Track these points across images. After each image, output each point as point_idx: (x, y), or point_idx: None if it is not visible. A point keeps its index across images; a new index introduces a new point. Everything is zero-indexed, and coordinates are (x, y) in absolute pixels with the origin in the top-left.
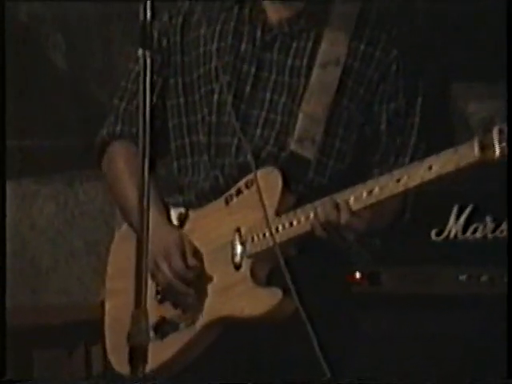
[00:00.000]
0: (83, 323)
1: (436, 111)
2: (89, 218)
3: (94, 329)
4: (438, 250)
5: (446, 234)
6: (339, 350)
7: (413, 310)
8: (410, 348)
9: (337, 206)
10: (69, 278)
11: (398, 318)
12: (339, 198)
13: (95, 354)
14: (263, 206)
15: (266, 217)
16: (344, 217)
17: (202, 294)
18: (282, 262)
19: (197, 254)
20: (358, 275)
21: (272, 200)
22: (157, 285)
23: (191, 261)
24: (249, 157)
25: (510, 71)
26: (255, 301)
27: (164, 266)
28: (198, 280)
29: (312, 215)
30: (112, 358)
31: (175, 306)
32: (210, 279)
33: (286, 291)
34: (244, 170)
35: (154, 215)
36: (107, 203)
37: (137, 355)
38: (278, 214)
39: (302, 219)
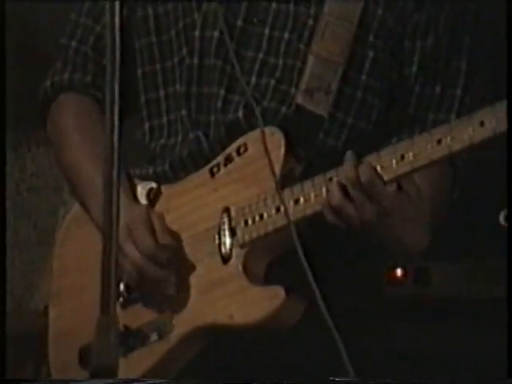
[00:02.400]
0: (30, 337)
1: (489, 52)
2: (39, 196)
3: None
4: (509, 238)
5: None
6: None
7: (469, 319)
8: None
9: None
10: (12, 277)
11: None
12: (363, 163)
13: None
14: (273, 171)
15: (277, 189)
16: (367, 185)
17: (179, 294)
18: (299, 249)
19: (173, 235)
20: (399, 272)
21: (272, 170)
22: (118, 284)
23: (162, 238)
24: (256, 112)
25: (510, 71)
26: (249, 304)
27: (130, 248)
28: (176, 272)
29: (324, 190)
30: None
31: (146, 305)
32: (189, 275)
33: (289, 291)
34: (234, 130)
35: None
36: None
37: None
38: (279, 188)
39: (312, 195)
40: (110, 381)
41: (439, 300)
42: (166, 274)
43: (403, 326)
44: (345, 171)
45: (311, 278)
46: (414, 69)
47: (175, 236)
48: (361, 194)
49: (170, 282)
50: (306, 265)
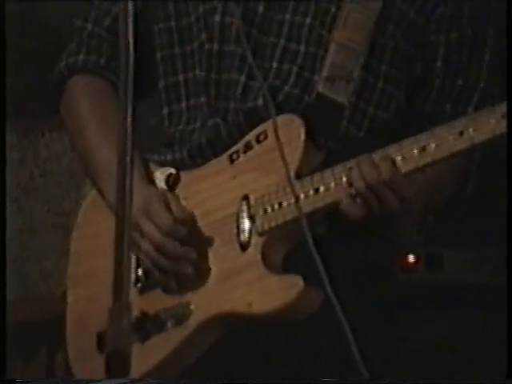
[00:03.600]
0: (45, 322)
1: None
2: (53, 181)
3: (58, 329)
4: None
5: None
6: (378, 358)
7: (481, 307)
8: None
9: (376, 166)
10: (27, 262)
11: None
12: (381, 155)
13: (60, 363)
14: (285, 163)
15: (289, 179)
16: (387, 178)
17: (198, 282)
18: (309, 238)
19: (189, 212)
20: (411, 258)
21: (292, 158)
22: (137, 268)
23: (180, 213)
24: (268, 99)
25: (510, 70)
26: (267, 292)
27: (148, 226)
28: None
29: (344, 179)
30: (75, 366)
31: (164, 290)
32: (207, 262)
33: (307, 280)
34: (254, 117)
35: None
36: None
37: (116, 364)
38: (299, 176)
39: (332, 184)
40: (120, 381)
41: (451, 286)
42: (186, 250)
43: (415, 313)
44: (365, 169)
45: (321, 268)
46: (439, 63)
47: (191, 214)
48: (383, 187)
49: (190, 259)
50: (316, 255)
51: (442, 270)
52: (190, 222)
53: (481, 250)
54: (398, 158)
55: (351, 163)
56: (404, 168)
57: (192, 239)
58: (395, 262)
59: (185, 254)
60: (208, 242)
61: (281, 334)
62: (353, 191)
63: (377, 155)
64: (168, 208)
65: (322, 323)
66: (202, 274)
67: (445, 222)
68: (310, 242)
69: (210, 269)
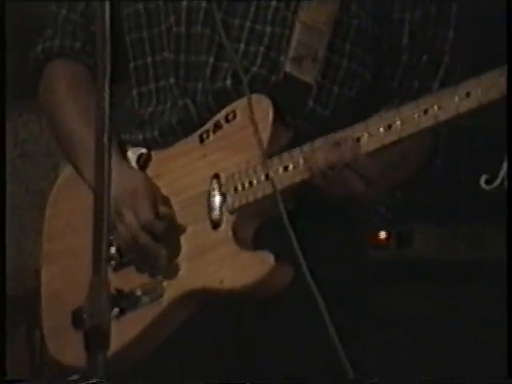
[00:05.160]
0: (23, 299)
1: (475, 23)
2: (31, 162)
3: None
4: (490, 202)
5: (499, 181)
6: (349, 333)
7: (451, 283)
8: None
9: (341, 145)
10: (5, 241)
11: (429, 294)
12: (347, 134)
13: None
14: (259, 140)
15: (263, 154)
16: (351, 158)
17: (170, 260)
18: (284, 215)
19: (166, 202)
20: (382, 234)
21: (261, 137)
22: (110, 246)
23: (162, 209)
24: (242, 77)
25: (510, 71)
26: (239, 269)
27: (129, 216)
28: (167, 240)
29: (313, 157)
30: (50, 344)
31: (139, 270)
32: (179, 240)
33: (278, 257)
34: (222, 98)
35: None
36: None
37: (95, 339)
38: (267, 155)
39: (300, 162)
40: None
41: (421, 262)
42: (159, 247)
43: (386, 288)
44: (327, 150)
45: (295, 244)
46: (405, 40)
47: (169, 207)
48: (345, 168)
49: (161, 255)
50: (291, 231)
51: (412, 247)
52: (170, 217)
53: (453, 227)
54: (364, 136)
55: (319, 142)
56: (369, 146)
57: (169, 227)
58: (365, 238)
59: (156, 252)
60: (180, 220)
61: (253, 310)
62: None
63: (340, 135)
64: (153, 200)
65: (294, 299)
66: (174, 251)
67: (415, 198)
68: (285, 218)
69: (182, 246)
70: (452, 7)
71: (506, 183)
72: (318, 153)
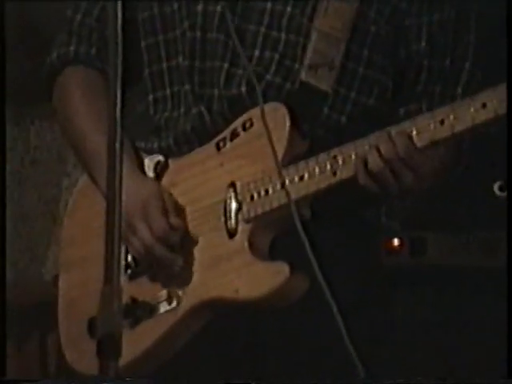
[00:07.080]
0: (37, 307)
1: (495, 28)
2: (43, 169)
3: (49, 313)
4: (504, 208)
5: None
6: (366, 341)
7: (464, 291)
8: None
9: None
10: (17, 248)
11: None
12: (398, 130)
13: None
14: (274, 150)
15: (280, 163)
16: (405, 151)
17: (185, 269)
18: (298, 224)
19: (180, 212)
20: (396, 242)
21: (277, 146)
22: (126, 255)
23: (175, 220)
24: (256, 84)
25: (509, 71)
26: (254, 279)
27: (142, 228)
28: (182, 249)
29: (329, 168)
30: (67, 351)
31: (153, 279)
32: (195, 250)
33: (293, 267)
34: (236, 105)
35: (124, 164)
36: (68, 148)
37: (107, 347)
38: (284, 164)
39: (316, 171)
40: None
41: (434, 269)
42: (174, 257)
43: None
44: (381, 141)
45: (310, 253)
46: (423, 44)
47: (183, 217)
48: (399, 162)
49: (177, 265)
50: (305, 240)
51: (425, 254)
52: (183, 227)
53: (467, 234)
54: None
55: (335, 151)
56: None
57: (184, 238)
58: (379, 245)
59: (172, 262)
60: (196, 229)
61: (269, 319)
62: (371, 166)
63: (394, 130)
64: (165, 210)
65: (310, 309)
66: (189, 260)
67: (429, 206)
68: (300, 227)
69: (198, 255)
70: (472, 12)
71: None
72: (371, 149)
